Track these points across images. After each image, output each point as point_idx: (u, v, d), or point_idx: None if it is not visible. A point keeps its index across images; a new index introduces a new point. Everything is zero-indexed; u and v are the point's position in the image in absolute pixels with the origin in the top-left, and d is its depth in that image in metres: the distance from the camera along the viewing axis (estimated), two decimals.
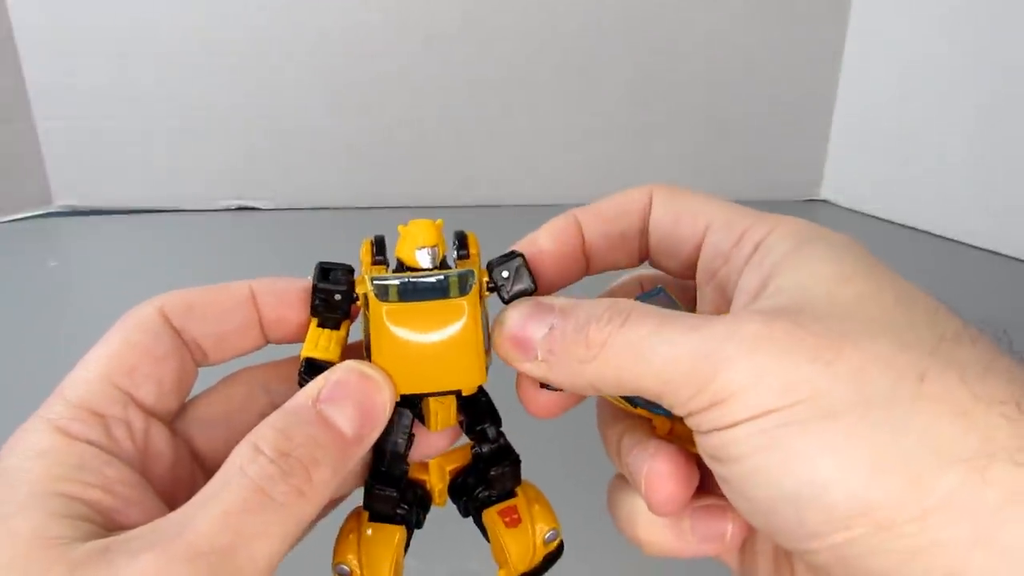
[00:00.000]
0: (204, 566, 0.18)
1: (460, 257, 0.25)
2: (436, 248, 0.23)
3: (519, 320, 0.23)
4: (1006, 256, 0.86)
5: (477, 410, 0.26)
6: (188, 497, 0.20)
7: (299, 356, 0.24)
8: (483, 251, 0.25)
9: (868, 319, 0.20)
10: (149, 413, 0.23)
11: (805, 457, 0.18)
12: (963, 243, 0.90)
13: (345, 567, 0.24)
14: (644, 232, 0.26)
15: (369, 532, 0.25)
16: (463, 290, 0.23)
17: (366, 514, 0.25)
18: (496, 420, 0.26)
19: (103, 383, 0.22)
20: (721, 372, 0.19)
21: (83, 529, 0.19)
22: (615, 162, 1.03)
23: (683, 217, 0.25)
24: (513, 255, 0.24)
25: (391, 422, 0.24)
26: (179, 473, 0.23)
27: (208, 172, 0.97)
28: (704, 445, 0.21)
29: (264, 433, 0.20)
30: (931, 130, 0.92)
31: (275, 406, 0.23)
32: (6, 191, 0.92)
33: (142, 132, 0.94)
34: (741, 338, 0.19)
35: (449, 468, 0.26)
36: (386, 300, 0.22)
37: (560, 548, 0.27)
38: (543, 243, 0.26)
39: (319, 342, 0.23)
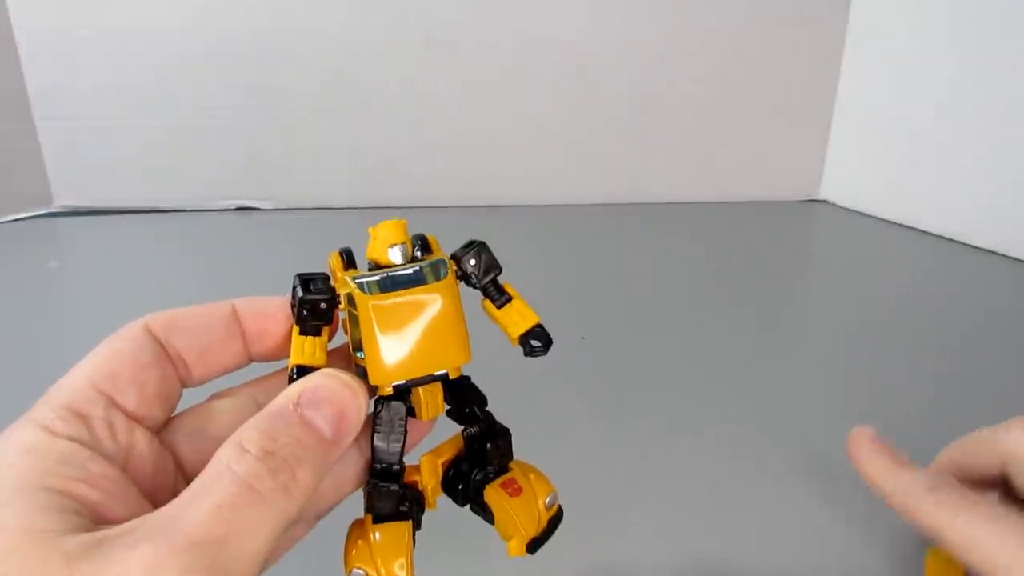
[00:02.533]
0: (200, 556, 0.18)
1: (423, 256, 0.26)
2: (405, 245, 0.25)
3: None
4: (1006, 256, 0.86)
5: (462, 394, 0.27)
6: (169, 501, 0.20)
7: (287, 365, 0.25)
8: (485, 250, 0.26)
9: None
10: (132, 418, 0.23)
11: None
12: (963, 243, 0.90)
13: (360, 571, 0.24)
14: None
15: (377, 535, 0.25)
16: (438, 277, 0.25)
17: (369, 520, 0.25)
18: (482, 399, 0.27)
19: (85, 386, 0.22)
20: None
21: (72, 522, 0.19)
22: (615, 162, 1.03)
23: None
24: (473, 243, 0.26)
25: (387, 417, 0.25)
26: (161, 480, 0.23)
27: (208, 172, 0.97)
28: None
29: (249, 435, 0.21)
30: (931, 130, 0.92)
31: None
32: (6, 191, 0.92)
33: (142, 132, 0.94)
34: None
35: (441, 461, 0.27)
36: (370, 295, 0.24)
37: (560, 512, 0.28)
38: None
39: (304, 349, 0.25)
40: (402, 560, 0.24)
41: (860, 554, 0.39)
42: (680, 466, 0.47)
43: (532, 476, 0.27)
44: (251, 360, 0.26)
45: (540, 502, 0.27)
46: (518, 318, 0.26)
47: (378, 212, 0.95)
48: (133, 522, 0.19)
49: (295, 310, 0.25)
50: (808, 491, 0.44)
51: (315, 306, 0.24)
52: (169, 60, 0.92)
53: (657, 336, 0.66)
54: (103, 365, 0.23)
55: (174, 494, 0.21)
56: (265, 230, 0.95)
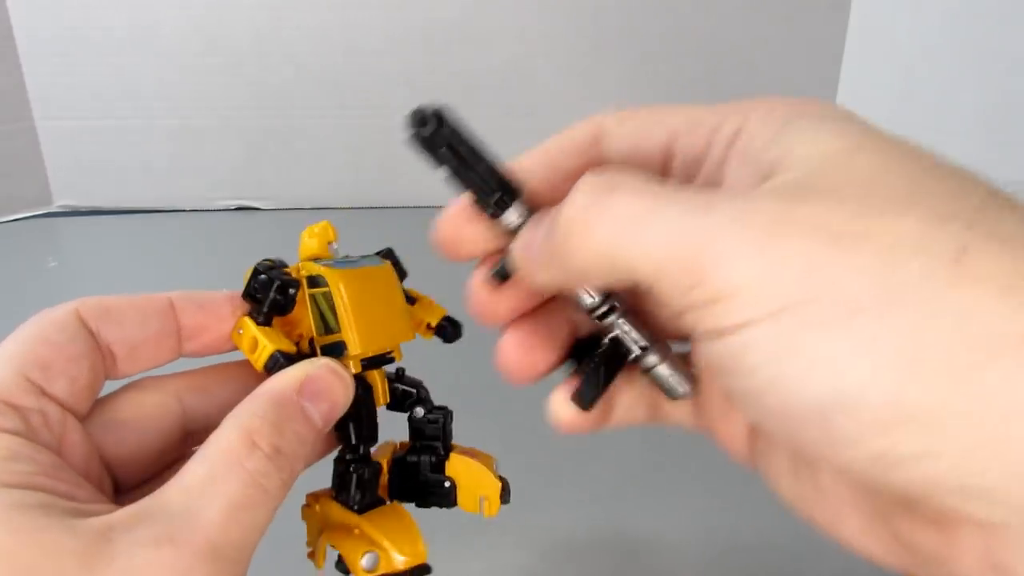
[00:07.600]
0: (224, 563, 0.19)
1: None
2: (337, 243, 0.27)
3: (527, 231, 0.22)
4: None
5: (403, 381, 0.29)
6: (98, 490, 0.20)
7: (259, 352, 0.25)
8: None
9: (892, 192, 0.17)
10: (63, 408, 0.23)
11: (831, 361, 0.16)
12: None
13: (374, 554, 0.25)
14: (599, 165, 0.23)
15: (374, 520, 0.25)
16: (377, 264, 0.27)
17: (353, 515, 0.26)
18: (420, 384, 0.29)
19: (16, 376, 0.22)
20: (726, 263, 0.16)
21: (57, 510, 0.19)
22: None
23: (641, 135, 0.23)
24: (382, 250, 0.29)
25: (364, 399, 0.26)
26: (91, 468, 0.23)
27: (208, 172, 0.97)
28: (709, 355, 0.18)
29: (259, 426, 0.21)
30: (931, 130, 0.92)
31: (188, 416, 0.24)
32: (6, 191, 0.92)
33: (142, 132, 0.94)
34: (746, 223, 0.17)
35: (385, 460, 0.28)
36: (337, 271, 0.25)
37: (505, 481, 0.29)
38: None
39: (270, 337, 0.25)
40: (415, 530, 0.25)
41: None
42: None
43: (474, 450, 0.29)
44: (181, 356, 0.25)
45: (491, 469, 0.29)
46: (429, 312, 0.29)
47: (378, 212, 0.95)
48: (133, 510, 0.19)
49: (264, 296, 0.25)
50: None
51: (284, 291, 0.25)
52: (169, 60, 0.91)
53: None
54: (33, 355, 0.22)
55: (101, 484, 0.22)
56: (265, 230, 0.94)
